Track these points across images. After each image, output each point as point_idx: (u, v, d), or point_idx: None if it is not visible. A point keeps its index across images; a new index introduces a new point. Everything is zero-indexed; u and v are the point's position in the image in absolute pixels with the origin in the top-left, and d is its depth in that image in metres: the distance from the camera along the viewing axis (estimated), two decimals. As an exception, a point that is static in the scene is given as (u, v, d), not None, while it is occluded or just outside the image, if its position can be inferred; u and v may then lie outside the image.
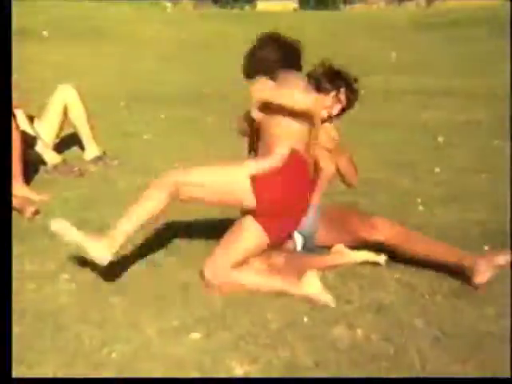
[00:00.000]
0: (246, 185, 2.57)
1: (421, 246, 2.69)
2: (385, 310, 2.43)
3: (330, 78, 2.90)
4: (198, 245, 3.03)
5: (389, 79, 7.66)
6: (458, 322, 2.34)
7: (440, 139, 5.22)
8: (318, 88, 2.87)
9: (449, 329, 2.29)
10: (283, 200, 2.59)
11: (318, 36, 10.80)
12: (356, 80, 2.95)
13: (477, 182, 4.04)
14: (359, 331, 2.28)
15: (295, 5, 16.52)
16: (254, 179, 2.57)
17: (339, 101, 2.90)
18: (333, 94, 2.89)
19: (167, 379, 1.99)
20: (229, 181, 2.59)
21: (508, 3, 14.10)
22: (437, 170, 4.40)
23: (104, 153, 4.60)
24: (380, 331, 2.28)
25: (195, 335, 2.23)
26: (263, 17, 13.09)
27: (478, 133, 5.30)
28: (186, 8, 15.68)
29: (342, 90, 2.89)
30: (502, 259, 2.55)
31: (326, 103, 2.88)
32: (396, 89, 7.09)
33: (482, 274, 2.54)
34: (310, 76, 2.91)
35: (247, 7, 16.27)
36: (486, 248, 2.94)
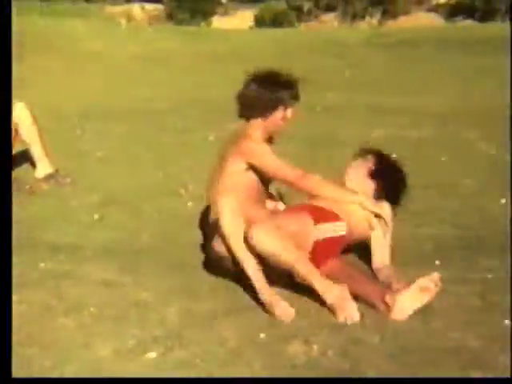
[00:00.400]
0: None
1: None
2: (341, 326, 2.45)
3: (273, 89, 2.98)
4: (152, 264, 2.99)
5: (342, 96, 7.78)
6: (410, 337, 2.37)
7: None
8: (268, 106, 2.97)
9: (404, 344, 2.32)
10: None
11: (273, 53, 10.92)
12: (290, 77, 3.04)
13: (427, 197, 4.12)
14: (315, 347, 2.29)
15: (251, 23, 16.68)
16: None
17: (288, 106, 3.01)
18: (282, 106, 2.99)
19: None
20: None
21: (452, 25, 14.61)
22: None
23: (56, 171, 4.52)
24: (336, 347, 2.29)
25: (151, 354, 2.20)
26: (218, 34, 13.17)
27: (427, 149, 5.41)
28: (141, 25, 15.65)
29: (287, 95, 2.98)
30: (423, 283, 2.50)
31: (280, 116, 3.00)
32: (349, 106, 7.21)
33: (401, 312, 2.49)
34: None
35: (203, 24, 16.34)
36: (437, 262, 3.00)
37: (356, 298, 2.56)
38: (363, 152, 3.06)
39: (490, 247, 3.18)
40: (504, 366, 2.14)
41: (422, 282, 2.52)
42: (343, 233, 2.80)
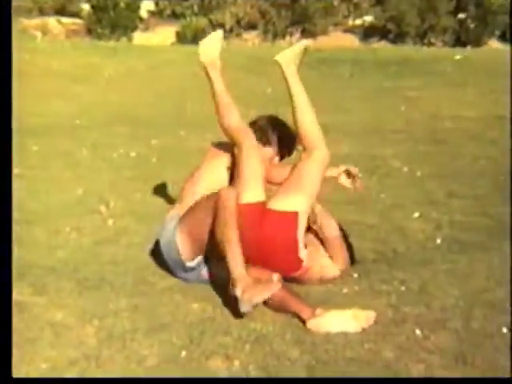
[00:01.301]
0: None
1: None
2: (262, 341, 2.47)
3: (274, 130, 3.18)
4: (66, 284, 2.92)
5: (265, 113, 7.90)
6: (328, 349, 2.42)
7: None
8: (263, 138, 3.13)
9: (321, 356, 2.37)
10: None
11: (195, 71, 10.95)
12: (294, 135, 3.14)
13: (346, 213, 4.22)
14: (236, 362, 2.30)
15: (172, 39, 16.65)
16: None
17: (277, 154, 3.18)
18: (275, 147, 3.16)
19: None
20: None
21: (367, 46, 15.21)
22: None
23: (-32, 188, 4.34)
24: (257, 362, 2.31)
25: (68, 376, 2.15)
26: (139, 50, 13.07)
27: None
28: (58, 38, 15.30)
29: (283, 143, 3.17)
30: (359, 315, 2.56)
31: (268, 155, 3.13)
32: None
33: (324, 325, 2.54)
34: (254, 124, 3.18)
35: (124, 39, 16.16)
36: (356, 275, 3.08)
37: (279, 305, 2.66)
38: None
39: (405, 261, 3.30)
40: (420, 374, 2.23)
41: (358, 313, 2.57)
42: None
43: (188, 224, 2.84)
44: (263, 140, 3.15)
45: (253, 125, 3.18)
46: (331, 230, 3.05)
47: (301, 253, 2.90)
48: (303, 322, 2.58)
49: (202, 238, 2.80)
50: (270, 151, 3.17)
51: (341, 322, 2.55)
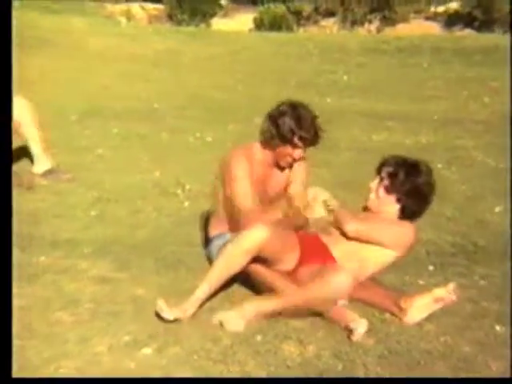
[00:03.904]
0: None
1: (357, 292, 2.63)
2: (335, 327, 2.47)
3: (286, 126, 2.84)
4: (148, 261, 3.01)
5: (340, 102, 7.82)
6: (401, 340, 2.40)
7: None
8: (280, 136, 2.86)
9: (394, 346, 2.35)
10: None
11: (271, 57, 10.95)
12: (315, 117, 2.91)
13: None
14: (310, 348, 2.31)
15: (250, 25, 16.70)
16: None
17: (297, 147, 2.88)
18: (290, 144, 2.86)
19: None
20: None
21: (450, 34, 14.69)
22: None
23: (56, 166, 4.53)
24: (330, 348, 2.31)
25: (146, 350, 2.22)
26: (218, 36, 13.19)
27: (425, 156, 5.44)
28: (141, 24, 15.65)
29: (298, 136, 2.85)
30: (439, 293, 2.56)
31: (286, 151, 2.88)
32: (347, 111, 7.24)
33: (414, 316, 2.55)
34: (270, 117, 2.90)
35: (202, 25, 16.36)
36: (431, 268, 3.03)
37: (369, 303, 2.65)
38: (378, 169, 2.90)
39: (486, 255, 3.21)
40: (499, 371, 2.17)
41: (439, 292, 2.57)
42: None
43: None
44: (276, 140, 2.88)
45: (271, 119, 2.91)
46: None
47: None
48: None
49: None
50: (288, 149, 2.88)
51: (427, 306, 2.55)
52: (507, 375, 2.14)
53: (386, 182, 2.81)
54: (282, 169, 2.99)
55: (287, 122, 2.85)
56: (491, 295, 2.72)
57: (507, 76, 8.39)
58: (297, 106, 2.91)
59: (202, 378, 2.04)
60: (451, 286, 2.58)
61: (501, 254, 3.16)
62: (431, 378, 2.12)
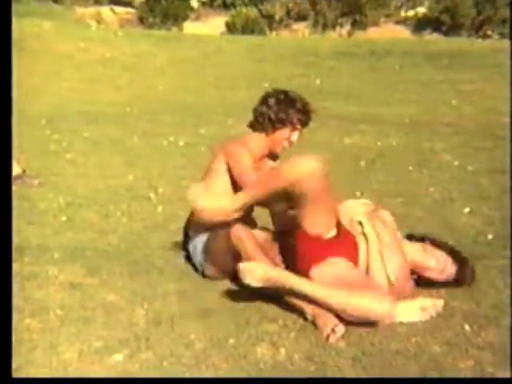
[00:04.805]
0: None
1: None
2: (308, 330, 2.48)
3: (284, 108, 2.95)
4: (120, 265, 2.99)
5: (313, 105, 7.87)
6: (375, 341, 2.41)
7: (362, 163, 5.41)
8: (278, 119, 2.94)
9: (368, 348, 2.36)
10: None
11: (243, 61, 10.97)
12: (307, 103, 3.03)
13: (394, 206, 4.20)
14: (282, 350, 2.31)
15: (222, 29, 16.72)
16: None
17: (295, 129, 2.99)
18: (289, 126, 2.96)
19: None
20: None
21: (419, 38, 14.92)
22: (357, 193, 4.55)
23: (24, 171, 4.47)
24: (303, 351, 2.32)
25: (118, 356, 2.20)
26: (189, 39, 13.17)
27: (395, 158, 5.51)
28: (112, 27, 15.55)
29: (297, 117, 2.96)
30: (426, 304, 2.55)
31: (284, 135, 2.97)
32: (320, 114, 7.29)
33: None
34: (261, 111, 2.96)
35: (174, 29, 16.32)
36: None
37: None
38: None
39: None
40: (468, 371, 2.20)
41: (426, 302, 2.56)
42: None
43: (213, 259, 2.88)
44: (276, 123, 2.96)
45: (263, 104, 2.99)
46: None
47: None
48: None
49: (228, 269, 2.81)
50: (286, 132, 2.99)
51: (409, 312, 2.54)
52: (476, 375, 2.17)
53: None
54: (274, 158, 3.07)
55: (286, 105, 2.95)
56: (460, 295, 2.76)
57: (478, 79, 8.55)
58: (288, 91, 3.04)
59: (203, 378, 2.02)
60: (440, 302, 2.58)
61: (469, 255, 3.20)
62: (403, 378, 2.14)
